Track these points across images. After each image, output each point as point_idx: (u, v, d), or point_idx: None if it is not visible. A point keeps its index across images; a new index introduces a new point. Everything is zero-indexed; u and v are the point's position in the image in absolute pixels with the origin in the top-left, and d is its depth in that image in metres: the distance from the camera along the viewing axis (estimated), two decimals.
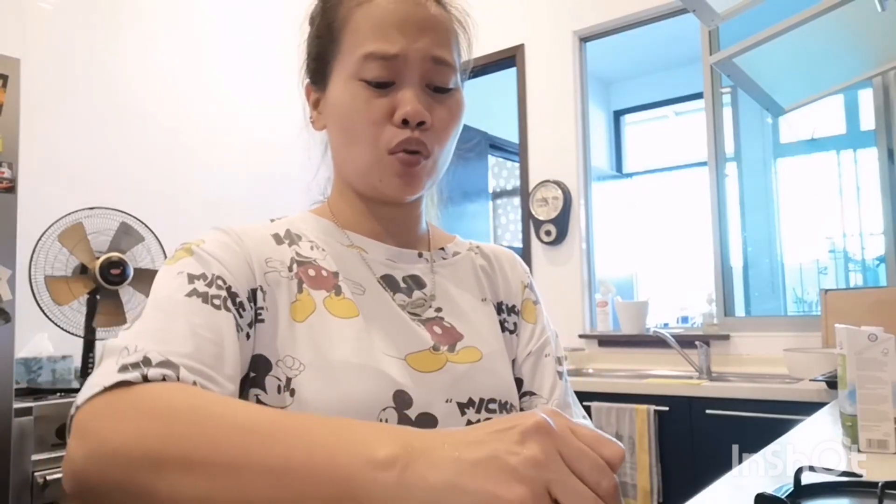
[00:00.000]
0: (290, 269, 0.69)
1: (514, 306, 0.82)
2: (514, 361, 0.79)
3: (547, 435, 0.38)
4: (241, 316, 0.63)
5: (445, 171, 0.77)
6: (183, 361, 0.53)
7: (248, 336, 0.64)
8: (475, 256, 0.83)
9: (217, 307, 0.61)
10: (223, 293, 0.62)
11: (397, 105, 0.67)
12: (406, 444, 0.39)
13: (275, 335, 0.65)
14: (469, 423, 0.68)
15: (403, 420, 0.65)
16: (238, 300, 0.63)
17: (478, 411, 0.69)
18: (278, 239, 0.72)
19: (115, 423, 0.46)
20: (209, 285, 0.62)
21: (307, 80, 0.77)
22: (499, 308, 0.81)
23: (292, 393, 0.63)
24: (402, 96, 0.67)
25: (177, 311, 0.59)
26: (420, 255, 0.78)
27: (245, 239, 0.68)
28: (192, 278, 0.62)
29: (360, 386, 0.64)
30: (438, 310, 0.75)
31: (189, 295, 0.60)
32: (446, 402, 0.68)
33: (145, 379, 0.50)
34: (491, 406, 0.71)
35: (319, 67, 0.73)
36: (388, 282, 0.73)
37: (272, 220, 0.76)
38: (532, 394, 0.78)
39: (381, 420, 0.64)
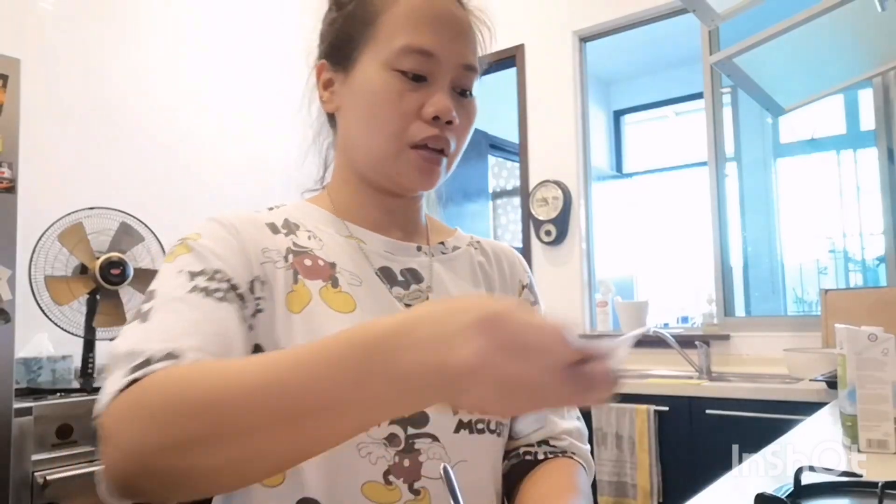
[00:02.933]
0: (286, 259, 0.69)
1: None
2: None
3: (485, 328, 0.38)
4: (244, 307, 0.63)
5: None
6: (188, 349, 0.54)
7: (250, 327, 0.64)
8: (474, 252, 0.83)
9: (220, 300, 0.61)
10: (224, 286, 0.62)
11: (426, 101, 0.68)
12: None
13: (273, 326, 0.65)
14: (461, 421, 0.69)
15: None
16: (239, 292, 0.63)
17: (470, 411, 0.70)
18: (274, 228, 0.71)
19: (135, 420, 0.47)
20: (210, 280, 0.62)
21: (322, 60, 0.75)
22: None
23: None
24: (435, 94, 0.68)
25: (179, 309, 0.59)
26: (419, 249, 0.77)
27: (240, 228, 0.68)
28: (192, 275, 0.62)
29: None
30: None
31: (191, 291, 0.60)
32: None
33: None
34: None
35: (344, 49, 0.72)
36: (386, 274, 0.73)
37: (270, 209, 0.75)
38: None
39: None
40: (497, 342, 0.38)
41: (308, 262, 0.69)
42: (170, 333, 0.55)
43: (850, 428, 1.17)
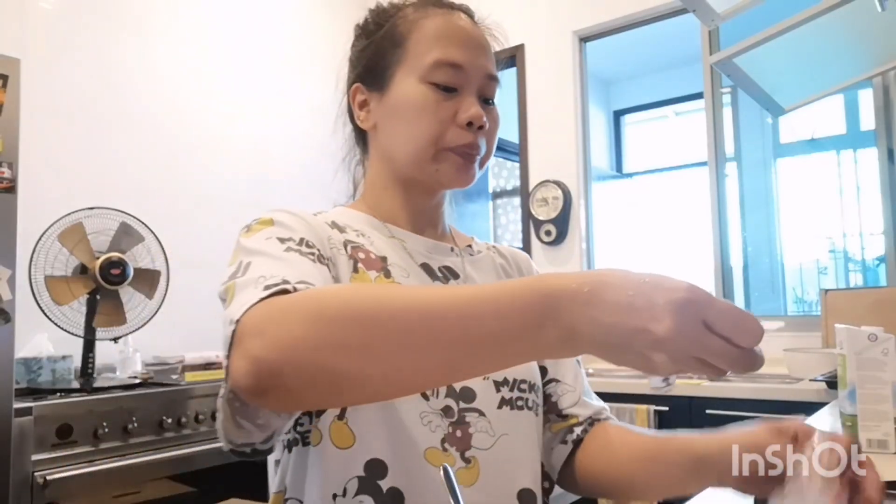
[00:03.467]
0: (346, 249, 0.75)
1: None
2: None
3: (691, 306, 0.43)
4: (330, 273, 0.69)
5: None
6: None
7: None
8: (494, 255, 0.91)
9: (313, 262, 0.65)
10: (315, 252, 0.67)
11: (459, 109, 0.76)
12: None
13: None
14: (503, 399, 0.75)
15: (448, 390, 0.72)
16: (325, 262, 0.68)
17: (511, 390, 0.76)
18: (328, 225, 0.77)
19: (294, 318, 0.50)
20: (300, 245, 0.66)
21: (356, 83, 0.82)
22: None
23: None
24: (466, 103, 0.76)
25: (285, 261, 0.62)
26: (451, 250, 0.84)
27: (306, 218, 0.73)
28: (282, 240, 0.66)
29: None
30: None
31: (287, 251, 0.64)
32: (483, 379, 0.74)
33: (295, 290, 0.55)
34: (522, 386, 0.78)
35: (378, 71, 0.80)
36: (427, 270, 0.80)
37: (315, 214, 0.79)
38: (557, 381, 0.87)
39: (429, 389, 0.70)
40: (700, 319, 0.43)
41: (362, 255, 0.75)
42: (289, 272, 0.58)
43: (850, 428, 1.17)
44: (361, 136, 0.86)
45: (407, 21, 0.79)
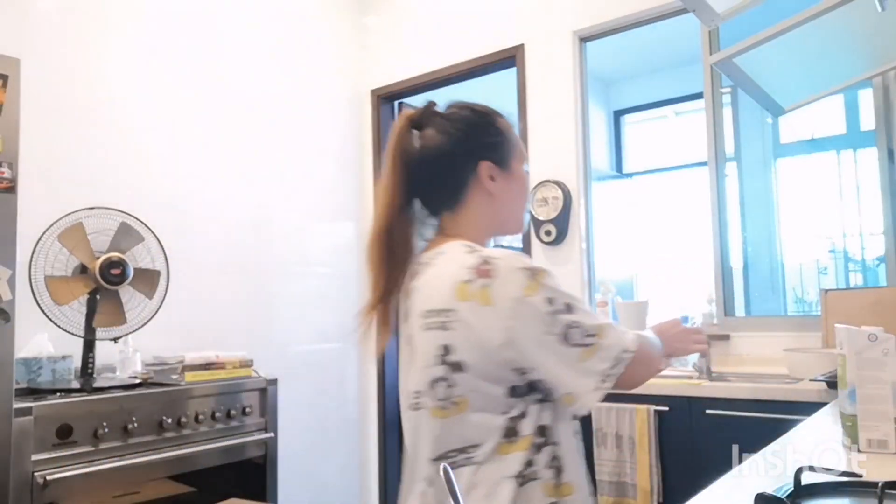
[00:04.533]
0: None
1: None
2: None
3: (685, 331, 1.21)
4: None
5: None
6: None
7: None
8: None
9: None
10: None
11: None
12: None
13: None
14: None
15: None
16: None
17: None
18: None
19: (654, 356, 1.10)
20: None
21: (486, 161, 1.13)
22: None
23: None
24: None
25: (591, 308, 1.15)
26: None
27: None
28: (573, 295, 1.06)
29: None
30: None
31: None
32: None
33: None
34: None
35: (502, 156, 1.15)
36: None
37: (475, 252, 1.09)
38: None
39: None
40: (690, 336, 1.21)
41: None
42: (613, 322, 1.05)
43: (850, 428, 1.17)
44: (459, 191, 1.13)
45: (506, 123, 1.18)
